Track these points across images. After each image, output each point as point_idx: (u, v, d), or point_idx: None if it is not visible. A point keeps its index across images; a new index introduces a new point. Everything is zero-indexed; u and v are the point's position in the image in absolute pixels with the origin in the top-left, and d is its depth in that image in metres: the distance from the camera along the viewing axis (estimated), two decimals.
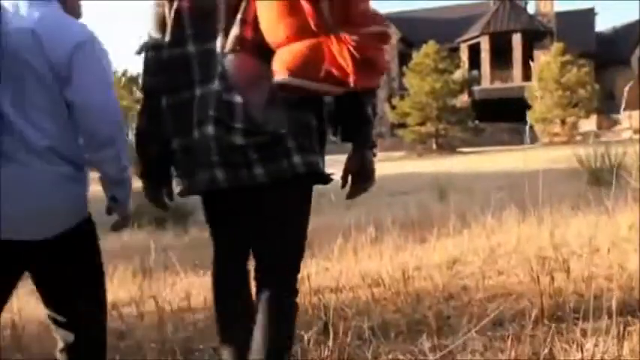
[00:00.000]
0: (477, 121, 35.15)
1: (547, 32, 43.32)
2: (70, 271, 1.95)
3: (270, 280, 1.89)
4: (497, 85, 42.83)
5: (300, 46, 1.65)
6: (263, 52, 1.72)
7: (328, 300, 4.13)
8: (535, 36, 43.07)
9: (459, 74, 33.03)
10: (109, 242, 10.20)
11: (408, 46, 47.02)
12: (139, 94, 38.77)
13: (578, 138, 32.56)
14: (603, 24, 55.05)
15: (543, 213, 6.67)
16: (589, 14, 47.60)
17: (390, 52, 46.94)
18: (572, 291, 3.41)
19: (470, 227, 6.62)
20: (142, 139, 1.98)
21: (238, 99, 1.74)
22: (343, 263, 5.45)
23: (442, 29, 44.94)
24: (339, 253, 5.78)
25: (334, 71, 1.64)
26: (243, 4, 1.76)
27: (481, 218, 6.86)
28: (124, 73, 37.71)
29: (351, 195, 2.04)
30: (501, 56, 41.88)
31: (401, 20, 48.37)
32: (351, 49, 1.62)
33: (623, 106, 37.62)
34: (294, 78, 1.66)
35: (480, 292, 3.78)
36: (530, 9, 46.54)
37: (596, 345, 2.49)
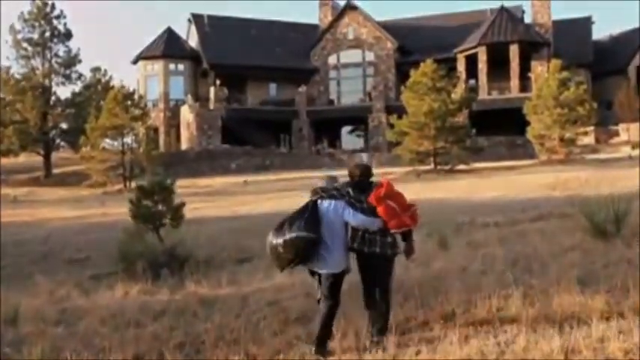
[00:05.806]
0: (474, 131, 34.86)
1: (544, 43, 43.19)
2: (340, 280, 5.73)
3: (377, 287, 5.70)
4: (495, 96, 42.69)
5: (397, 222, 5.60)
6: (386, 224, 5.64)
7: None
8: (532, 47, 42.92)
9: (457, 94, 32.71)
10: (102, 299, 9.91)
11: (405, 54, 46.85)
12: (135, 111, 38.35)
13: (577, 151, 32.42)
14: (600, 32, 55.17)
15: (549, 289, 6.48)
16: (586, 23, 47.48)
17: (386, 61, 46.90)
18: None
19: (475, 307, 6.39)
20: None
21: (383, 238, 5.67)
22: None
23: (439, 38, 44.73)
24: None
25: (407, 225, 5.69)
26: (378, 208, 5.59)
27: (485, 284, 6.70)
28: (120, 89, 37.03)
29: (407, 258, 5.98)
30: (498, 67, 41.71)
31: (397, 28, 48.09)
32: (410, 219, 5.69)
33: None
34: (396, 230, 5.65)
35: None
36: (527, 18, 46.42)
37: None
